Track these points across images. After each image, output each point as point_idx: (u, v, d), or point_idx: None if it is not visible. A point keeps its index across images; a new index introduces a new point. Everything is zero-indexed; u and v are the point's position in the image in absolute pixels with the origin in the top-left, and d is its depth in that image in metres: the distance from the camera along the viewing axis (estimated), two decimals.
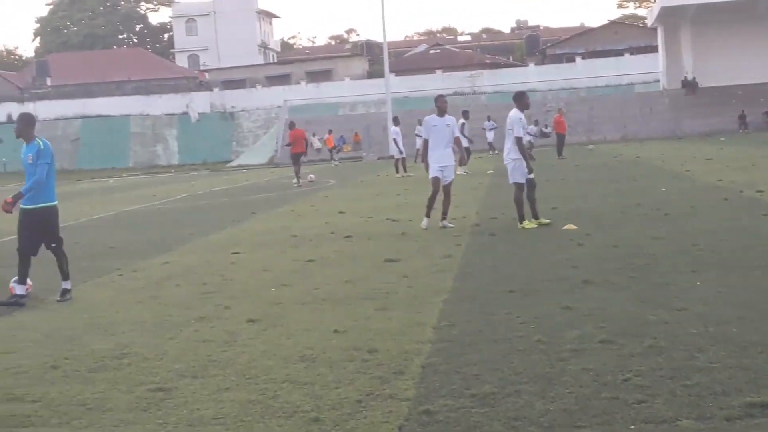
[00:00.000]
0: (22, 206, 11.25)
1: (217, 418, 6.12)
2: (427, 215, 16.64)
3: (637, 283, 9.92)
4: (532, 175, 15.73)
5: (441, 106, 16.77)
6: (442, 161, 16.46)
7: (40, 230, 11.25)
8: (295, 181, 34.20)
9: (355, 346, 7.84)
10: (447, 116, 16.73)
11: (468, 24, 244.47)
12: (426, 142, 16.58)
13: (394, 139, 37.54)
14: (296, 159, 34.74)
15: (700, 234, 13.40)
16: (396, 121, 38.37)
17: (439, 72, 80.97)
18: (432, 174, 16.48)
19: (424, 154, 16.68)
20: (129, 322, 9.63)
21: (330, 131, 62.81)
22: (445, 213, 16.65)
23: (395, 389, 6.50)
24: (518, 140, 15.52)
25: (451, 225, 16.46)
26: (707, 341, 7.14)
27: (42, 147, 11.23)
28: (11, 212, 11.36)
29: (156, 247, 16.55)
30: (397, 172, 36.37)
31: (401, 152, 37.01)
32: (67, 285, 11.42)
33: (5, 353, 8.49)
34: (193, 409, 6.33)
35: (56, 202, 11.42)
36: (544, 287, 10.08)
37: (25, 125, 11.39)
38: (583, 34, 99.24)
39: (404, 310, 9.30)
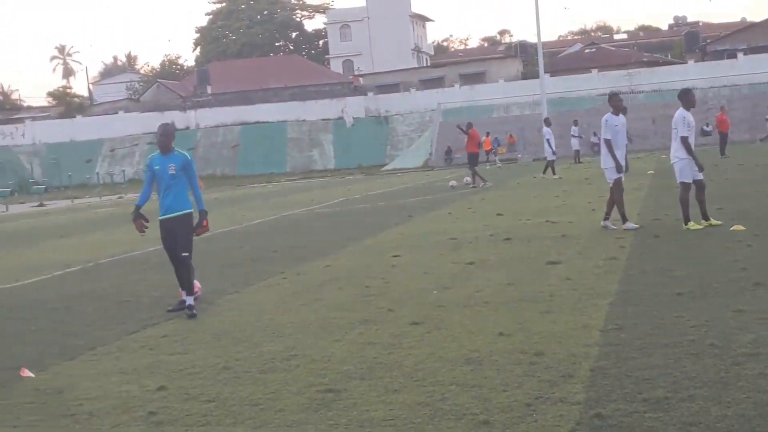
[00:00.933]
0: (159, 218, 11.25)
1: (387, 419, 6.17)
2: (626, 217, 16.24)
3: None
4: (701, 176, 15.31)
5: (617, 104, 16.47)
6: (622, 162, 16.32)
7: (172, 239, 11.15)
8: (481, 183, 34.08)
9: (521, 349, 7.79)
10: (621, 116, 16.48)
11: (624, 22, 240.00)
12: (609, 142, 16.20)
13: (547, 140, 37.06)
14: (472, 159, 34.81)
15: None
16: (547, 122, 37.88)
17: (594, 71, 79.73)
18: (620, 174, 16.19)
19: (613, 155, 16.17)
20: (295, 324, 9.81)
21: (488, 133, 62.47)
22: (608, 213, 16.41)
23: (565, 393, 6.42)
24: (683, 139, 15.15)
25: (614, 227, 16.18)
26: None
27: (190, 158, 11.37)
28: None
29: (317, 251, 16.81)
30: (547, 173, 35.97)
31: (554, 153, 36.56)
32: (190, 300, 11.03)
33: (179, 354, 8.76)
34: (362, 411, 6.40)
35: (191, 210, 11.31)
36: (714, 290, 9.81)
37: (172, 137, 11.39)
38: (745, 29, 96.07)
39: (569, 313, 9.19)
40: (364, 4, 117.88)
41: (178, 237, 11.06)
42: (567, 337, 8.14)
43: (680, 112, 15.25)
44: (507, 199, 26.28)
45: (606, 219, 16.38)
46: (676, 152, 15.31)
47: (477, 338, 8.38)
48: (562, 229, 16.78)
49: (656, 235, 14.90)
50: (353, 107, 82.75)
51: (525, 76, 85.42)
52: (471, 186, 33.94)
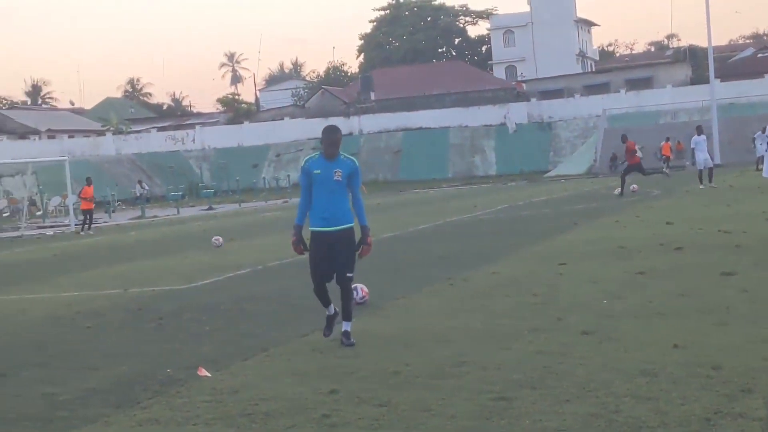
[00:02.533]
0: (314, 229, 9.56)
1: (560, 430, 6.11)
2: None
3: None
4: None
5: None
6: None
7: (328, 255, 9.48)
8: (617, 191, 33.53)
9: (697, 362, 7.59)
10: None
11: None
12: None
13: (693, 149, 35.91)
14: (631, 169, 34.24)
15: None
16: (699, 130, 36.41)
17: (767, 76, 77.10)
18: None
19: None
20: (463, 331, 9.81)
21: (667, 139, 60.70)
22: None
23: (744, 408, 6.23)
24: None
25: None
26: None
27: (358, 165, 9.74)
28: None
29: (482, 257, 16.78)
30: (701, 183, 34.84)
31: (704, 161, 35.31)
32: (348, 326, 9.57)
33: (349, 358, 8.88)
34: (535, 420, 6.35)
35: (354, 224, 9.63)
36: None
37: (339, 141, 9.60)
38: None
39: (746, 326, 8.92)
40: (528, 9, 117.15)
41: (339, 254, 9.42)
42: (745, 350, 7.90)
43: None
44: (676, 207, 25.65)
45: None
46: None
47: (651, 350, 8.20)
48: (736, 239, 16.26)
49: None
50: (516, 113, 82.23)
51: (694, 82, 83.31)
52: (621, 193, 33.13)
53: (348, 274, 9.48)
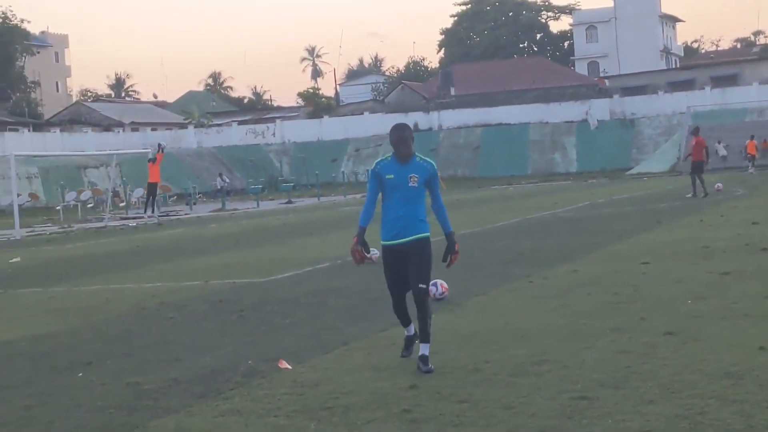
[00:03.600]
0: (386, 243, 8.53)
1: (644, 431, 6.02)
2: None
3: None
4: None
5: None
6: None
7: (402, 269, 8.44)
8: (690, 194, 32.40)
9: None
10: None
11: None
12: None
13: None
14: (697, 168, 32.80)
15: None
16: None
17: None
18: None
19: None
20: (543, 329, 9.74)
21: (752, 137, 59.75)
22: None
23: None
24: None
25: None
26: None
27: (436, 167, 8.74)
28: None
29: (562, 255, 16.64)
30: None
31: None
32: (425, 349, 8.29)
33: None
34: (618, 420, 6.27)
35: (429, 234, 8.56)
36: None
37: (412, 140, 8.62)
38: None
39: None
40: (611, 4, 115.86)
41: (414, 266, 8.35)
42: None
43: None
44: (762, 207, 25.19)
45: None
46: None
47: (736, 352, 8.05)
48: None
49: None
50: (597, 109, 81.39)
51: None
52: (689, 196, 32.09)
53: (421, 285, 8.30)
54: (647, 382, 7.24)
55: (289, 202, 54.25)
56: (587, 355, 8.33)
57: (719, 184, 35.11)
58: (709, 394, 6.76)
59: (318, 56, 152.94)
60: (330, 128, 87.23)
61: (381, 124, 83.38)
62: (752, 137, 58.67)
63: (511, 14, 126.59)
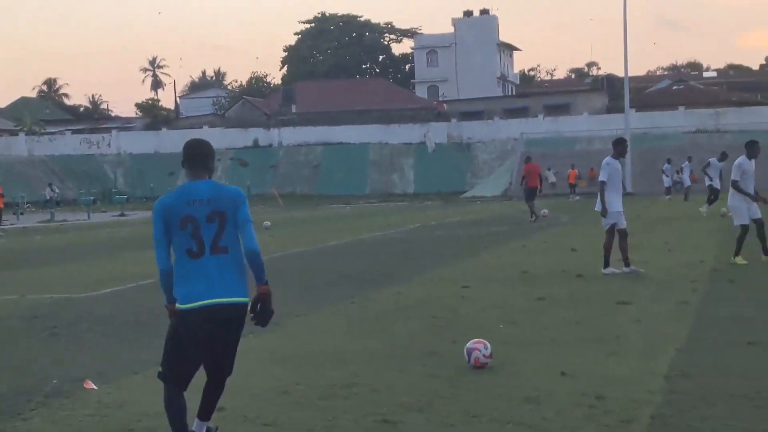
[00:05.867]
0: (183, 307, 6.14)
1: None
2: (608, 263, 16.33)
3: None
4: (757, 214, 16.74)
5: (623, 150, 16.46)
6: (620, 207, 16.28)
7: (205, 343, 6.20)
8: (531, 218, 33.52)
9: (583, 390, 7.71)
10: (621, 160, 16.55)
11: (714, 60, 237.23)
12: (604, 185, 16.03)
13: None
14: (530, 194, 34.14)
15: None
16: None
17: (681, 109, 78.86)
18: (612, 219, 16.11)
19: (603, 199, 16.08)
20: (359, 352, 9.82)
21: (573, 166, 62.11)
22: (624, 259, 16.25)
23: None
24: (733, 183, 16.71)
25: (642, 270, 16.15)
26: None
27: (243, 193, 6.62)
28: None
29: (388, 278, 16.82)
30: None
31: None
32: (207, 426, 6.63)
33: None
34: None
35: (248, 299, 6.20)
36: None
37: (210, 157, 6.68)
38: None
39: (635, 357, 9.08)
40: (452, 30, 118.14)
41: (219, 347, 6.25)
42: (630, 381, 8.05)
43: (739, 159, 16.77)
44: (583, 234, 26.01)
45: (626, 265, 16.17)
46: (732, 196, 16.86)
47: (539, 377, 8.31)
48: (636, 268, 16.53)
49: (731, 279, 14.65)
50: (436, 133, 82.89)
51: (610, 110, 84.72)
52: (533, 221, 33.19)
53: (226, 375, 6.57)
54: (451, 406, 7.40)
55: (122, 214, 53.20)
56: (398, 379, 8.45)
57: (545, 211, 36.17)
58: (508, 418, 6.96)
59: (159, 67, 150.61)
60: (168, 141, 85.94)
61: (221, 138, 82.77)
62: (573, 166, 60.97)
63: (354, 35, 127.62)
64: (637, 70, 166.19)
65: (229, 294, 6.01)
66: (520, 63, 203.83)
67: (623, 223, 16.25)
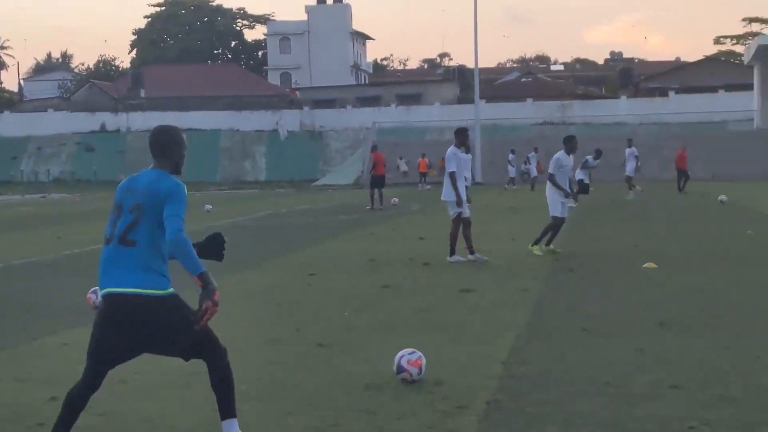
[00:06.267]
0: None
1: None
2: (455, 251, 16.62)
3: (715, 329, 9.72)
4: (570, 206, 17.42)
5: (465, 140, 16.71)
6: (464, 195, 16.53)
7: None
8: (369, 206, 33.96)
9: (423, 377, 7.79)
10: (467, 152, 17.20)
11: (562, 53, 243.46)
12: (454, 175, 16.23)
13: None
14: (375, 182, 34.65)
15: None
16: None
17: (529, 101, 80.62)
18: (460, 208, 16.37)
19: (455, 188, 16.33)
20: None
21: (423, 155, 62.79)
22: (469, 247, 16.58)
23: (458, 424, 6.44)
24: (550, 177, 17.13)
25: (486, 258, 16.47)
26: None
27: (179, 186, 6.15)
28: None
29: (234, 265, 16.59)
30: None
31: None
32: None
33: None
34: None
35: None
36: (619, 328, 9.91)
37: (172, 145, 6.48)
38: (678, 68, 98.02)
39: (475, 343, 9.23)
40: (305, 18, 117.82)
41: (140, 338, 5.96)
42: (469, 367, 8.17)
43: (558, 154, 17.25)
44: (432, 223, 26.32)
45: (471, 253, 16.49)
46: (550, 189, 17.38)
47: (381, 364, 8.35)
48: (480, 256, 16.81)
49: (571, 269, 15.05)
50: (288, 120, 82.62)
51: (461, 101, 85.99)
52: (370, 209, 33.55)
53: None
54: (291, 393, 7.38)
55: None
56: (238, 367, 8.29)
57: (395, 199, 36.50)
58: (347, 406, 6.97)
59: (2, 48, 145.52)
60: (11, 124, 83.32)
61: (66, 122, 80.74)
62: (423, 155, 61.72)
63: (206, 20, 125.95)
64: (488, 61, 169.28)
65: (119, 284, 5.77)
66: (373, 52, 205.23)
67: (467, 212, 16.47)
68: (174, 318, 5.97)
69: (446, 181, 16.41)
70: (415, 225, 25.66)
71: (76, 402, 5.99)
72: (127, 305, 5.78)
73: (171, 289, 6.01)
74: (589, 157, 35.30)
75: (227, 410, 6.09)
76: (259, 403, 7.10)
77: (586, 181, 34.44)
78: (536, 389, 7.34)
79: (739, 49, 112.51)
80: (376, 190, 34.32)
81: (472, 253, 16.46)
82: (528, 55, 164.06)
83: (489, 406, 6.89)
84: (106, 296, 5.82)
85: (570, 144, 17.35)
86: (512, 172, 54.13)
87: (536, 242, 17.31)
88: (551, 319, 10.59)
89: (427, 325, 10.36)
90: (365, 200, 36.01)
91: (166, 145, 6.29)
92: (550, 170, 17.31)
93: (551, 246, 17.30)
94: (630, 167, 38.40)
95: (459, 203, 16.22)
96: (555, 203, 17.22)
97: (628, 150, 38.87)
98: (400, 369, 7.61)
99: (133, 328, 5.83)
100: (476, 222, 18.52)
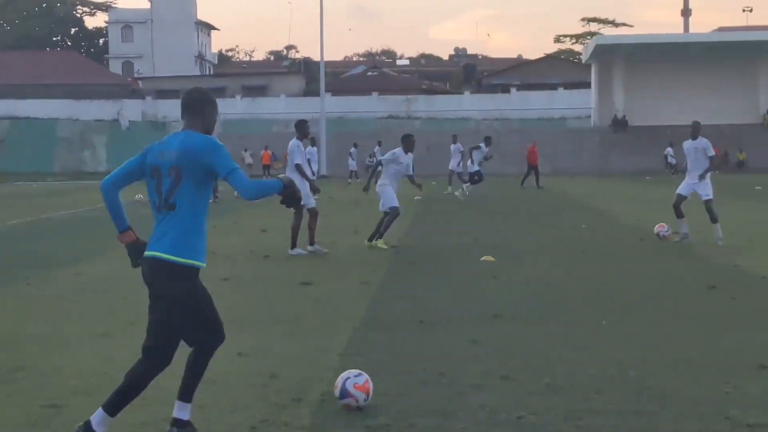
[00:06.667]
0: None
1: None
2: (296, 243, 16.61)
3: (546, 320, 9.99)
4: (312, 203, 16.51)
5: (305, 131, 16.74)
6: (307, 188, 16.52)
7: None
8: (211, 199, 33.76)
9: (258, 370, 7.76)
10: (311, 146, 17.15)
11: (407, 48, 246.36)
12: (300, 167, 16.22)
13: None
14: None
15: (613, 274, 13.53)
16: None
17: (375, 94, 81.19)
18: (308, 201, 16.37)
19: (307, 179, 16.32)
20: (29, 335, 9.43)
21: (266, 147, 62.62)
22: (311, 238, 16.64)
23: (291, 417, 6.44)
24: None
25: (325, 249, 16.60)
26: (605, 383, 7.19)
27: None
28: None
29: (70, 257, 16.27)
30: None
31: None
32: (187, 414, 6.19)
33: None
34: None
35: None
36: (455, 319, 10.08)
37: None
38: (519, 65, 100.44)
39: (312, 336, 9.24)
40: (148, 6, 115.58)
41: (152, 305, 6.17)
42: (305, 360, 8.18)
43: (396, 150, 17.40)
44: (275, 214, 26.18)
45: (311, 244, 16.56)
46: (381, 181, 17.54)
47: (216, 357, 8.21)
48: (320, 248, 16.82)
49: (411, 261, 15.22)
50: (130, 110, 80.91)
51: (307, 94, 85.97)
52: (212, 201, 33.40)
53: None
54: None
55: None
56: (68, 362, 8.18)
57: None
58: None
59: None
60: None
61: None
62: (266, 148, 61.72)
63: (44, 5, 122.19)
64: (334, 55, 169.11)
65: (154, 248, 5.86)
66: (219, 43, 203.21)
67: (312, 203, 16.46)
68: (185, 289, 5.96)
69: (293, 174, 16.31)
70: (257, 217, 25.52)
71: (134, 380, 6.04)
72: (152, 270, 5.88)
73: (198, 262, 5.99)
74: (482, 144, 35.83)
75: (189, 394, 6.10)
76: (89, 397, 6.93)
77: (477, 168, 34.97)
78: (372, 381, 7.39)
79: (578, 48, 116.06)
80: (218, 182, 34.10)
81: (311, 244, 16.46)
82: (374, 50, 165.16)
83: (324, 398, 6.91)
84: (145, 259, 5.93)
85: (407, 142, 17.48)
86: (353, 165, 54.36)
87: (377, 237, 17.35)
88: (389, 311, 10.69)
89: (264, 318, 10.32)
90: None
91: (198, 105, 6.13)
92: (384, 159, 17.56)
93: (378, 241, 17.30)
94: (454, 163, 38.66)
95: (314, 190, 16.19)
96: (390, 196, 17.30)
97: (453, 146, 39.03)
98: (345, 394, 6.64)
99: (156, 296, 5.94)
100: (321, 215, 18.59)
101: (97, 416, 5.86)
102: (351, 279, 13.28)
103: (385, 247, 17.12)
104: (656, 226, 18.06)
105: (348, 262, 15.44)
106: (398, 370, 7.74)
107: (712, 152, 17.30)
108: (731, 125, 66.85)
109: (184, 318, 5.87)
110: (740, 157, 64.69)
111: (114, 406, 5.90)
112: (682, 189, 17.51)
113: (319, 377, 7.51)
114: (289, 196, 5.89)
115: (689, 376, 7.50)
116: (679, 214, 17.41)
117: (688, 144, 17.65)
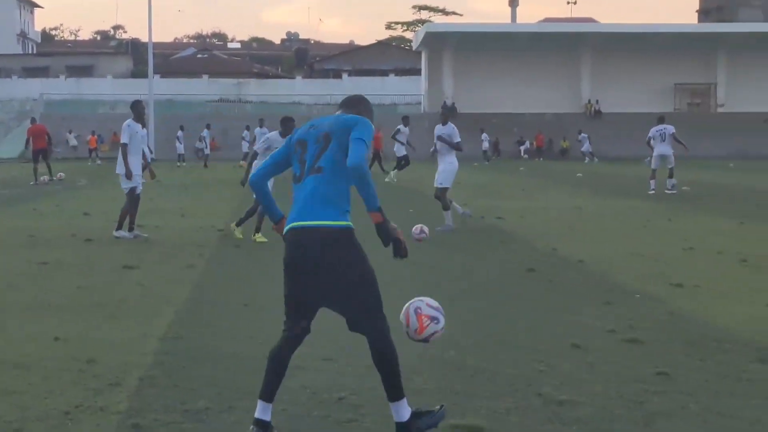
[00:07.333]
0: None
1: None
2: (121, 225, 16.22)
3: None
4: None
5: (141, 112, 16.40)
6: (140, 170, 16.31)
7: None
8: (32, 181, 32.92)
9: (75, 355, 7.59)
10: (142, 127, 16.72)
11: (239, 31, 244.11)
12: (126, 147, 15.84)
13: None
14: (37, 156, 33.62)
15: (445, 260, 13.70)
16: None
17: (205, 77, 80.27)
18: (133, 183, 16.09)
19: (125, 161, 15.95)
20: None
21: (93, 132, 61.24)
22: (120, 224, 16.28)
23: (108, 401, 6.33)
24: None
25: (145, 235, 16.31)
26: (425, 364, 7.33)
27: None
28: None
29: None
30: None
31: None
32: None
33: None
34: None
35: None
36: (281, 303, 10.05)
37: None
38: (352, 51, 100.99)
39: (133, 320, 9.09)
40: None
41: (314, 279, 5.88)
42: (125, 344, 8.04)
43: (272, 133, 16.09)
44: (99, 198, 25.65)
45: (130, 230, 16.23)
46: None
47: (32, 343, 8.06)
48: (147, 233, 16.55)
49: (237, 245, 15.15)
50: None
51: (135, 75, 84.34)
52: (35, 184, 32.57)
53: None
54: None
55: None
56: None
57: (61, 174, 35.40)
58: None
59: None
60: None
61: None
62: (93, 132, 60.54)
63: None
64: (164, 36, 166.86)
65: (306, 217, 5.57)
66: (42, 21, 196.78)
67: (140, 188, 16.12)
68: (346, 255, 5.70)
69: (119, 154, 16.04)
70: (81, 200, 24.91)
71: (277, 361, 5.95)
72: (304, 239, 5.60)
73: (349, 223, 5.71)
74: (401, 126, 35.45)
75: (392, 391, 5.65)
76: None
77: (403, 153, 34.71)
78: (192, 365, 7.34)
79: (408, 35, 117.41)
80: (41, 164, 33.31)
81: (131, 230, 16.11)
82: (205, 32, 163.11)
83: (142, 382, 6.82)
84: (287, 232, 5.69)
85: (287, 126, 15.67)
86: (180, 148, 53.64)
87: (239, 223, 16.27)
88: (213, 294, 10.62)
89: (84, 302, 10.08)
90: (30, 174, 34.53)
91: (354, 104, 6.02)
92: (256, 147, 16.33)
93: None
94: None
95: (128, 176, 15.89)
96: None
97: (257, 130, 38.28)
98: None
99: (308, 265, 5.67)
100: (146, 198, 18.31)
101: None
102: (176, 263, 13.12)
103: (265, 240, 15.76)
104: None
105: (173, 245, 15.23)
106: (220, 354, 7.70)
107: (458, 138, 17.74)
108: (555, 114, 69.12)
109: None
110: (563, 145, 66.86)
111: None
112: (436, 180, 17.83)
113: (138, 362, 7.40)
114: (396, 248, 6.02)
115: (506, 355, 7.73)
116: (445, 206, 17.80)
117: (438, 129, 17.88)
